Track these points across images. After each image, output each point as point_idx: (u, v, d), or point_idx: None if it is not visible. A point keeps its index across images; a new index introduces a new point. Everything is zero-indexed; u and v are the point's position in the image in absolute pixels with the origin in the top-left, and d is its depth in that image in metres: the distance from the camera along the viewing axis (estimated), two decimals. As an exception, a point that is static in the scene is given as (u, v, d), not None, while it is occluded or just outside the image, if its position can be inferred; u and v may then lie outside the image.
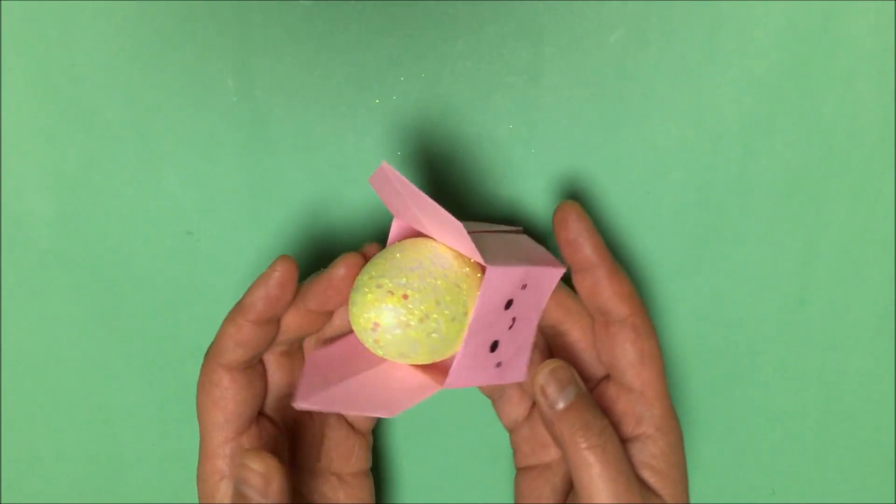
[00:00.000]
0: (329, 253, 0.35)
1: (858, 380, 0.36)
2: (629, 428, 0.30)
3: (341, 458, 0.33)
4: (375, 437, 0.37)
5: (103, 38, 0.33)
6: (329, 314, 0.31)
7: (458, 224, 0.25)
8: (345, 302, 0.30)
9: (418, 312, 0.27)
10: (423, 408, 0.37)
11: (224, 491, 0.30)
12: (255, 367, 0.31)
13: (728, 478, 0.38)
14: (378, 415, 0.28)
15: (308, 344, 0.33)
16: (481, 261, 0.26)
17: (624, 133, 0.34)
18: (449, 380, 0.28)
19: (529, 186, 0.34)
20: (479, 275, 0.28)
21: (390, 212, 0.30)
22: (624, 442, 0.30)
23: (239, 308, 0.29)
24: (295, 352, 0.32)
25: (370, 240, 0.33)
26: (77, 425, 0.38)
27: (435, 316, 0.27)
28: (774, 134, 0.33)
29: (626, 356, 0.30)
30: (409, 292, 0.27)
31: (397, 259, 0.28)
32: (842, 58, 0.32)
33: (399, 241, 0.30)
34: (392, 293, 0.27)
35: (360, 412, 0.28)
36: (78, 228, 0.35)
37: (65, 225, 0.35)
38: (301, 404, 0.28)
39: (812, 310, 0.35)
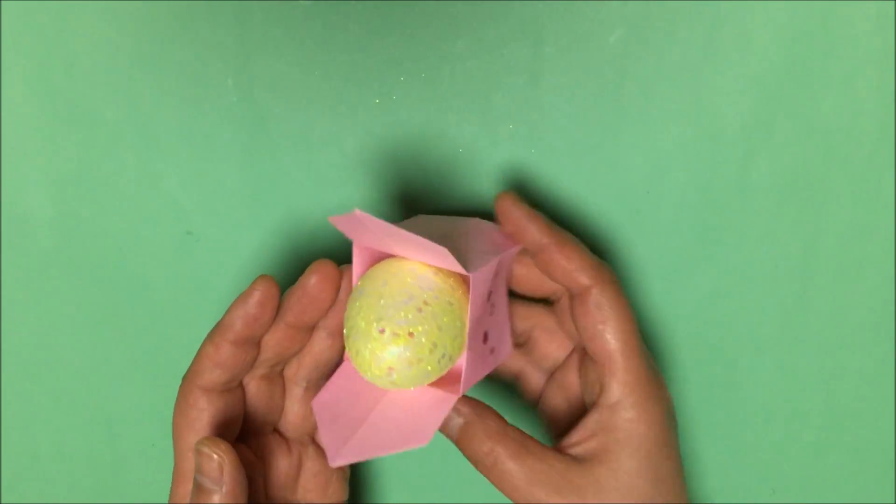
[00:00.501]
0: (329, 253, 0.35)
1: (858, 380, 0.36)
2: (593, 396, 0.30)
3: (318, 490, 0.32)
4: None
5: (103, 38, 0.33)
6: (308, 330, 0.30)
7: (443, 249, 0.25)
8: (322, 314, 0.29)
9: (427, 344, 0.27)
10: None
11: None
12: (233, 390, 0.30)
13: (728, 478, 0.38)
14: (414, 446, 0.27)
15: (297, 388, 0.32)
16: (464, 272, 0.26)
17: (624, 133, 0.34)
18: (462, 388, 0.28)
19: (529, 186, 0.34)
20: (457, 281, 0.28)
21: (349, 238, 0.29)
22: (590, 406, 0.30)
23: (218, 328, 0.29)
24: (275, 377, 0.31)
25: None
26: (77, 425, 0.38)
27: (441, 341, 0.27)
28: (774, 134, 0.33)
29: (586, 330, 0.29)
30: (412, 329, 0.27)
31: (385, 296, 0.27)
32: (842, 58, 0.32)
33: (369, 267, 0.29)
34: (397, 335, 0.26)
35: (397, 449, 0.27)
36: (78, 228, 0.35)
37: (65, 225, 0.35)
38: (337, 462, 0.27)
39: (812, 310, 0.35)
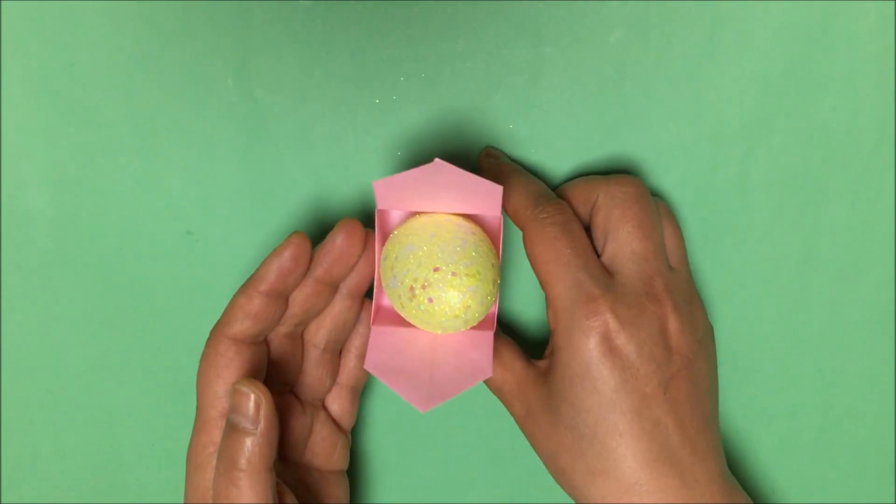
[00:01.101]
0: (329, 253, 0.35)
1: (858, 380, 0.36)
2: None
3: (325, 455, 0.33)
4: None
5: (103, 38, 0.33)
6: (333, 289, 0.31)
7: (498, 187, 0.28)
8: (349, 270, 0.31)
9: (489, 281, 0.29)
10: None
11: (216, 463, 0.30)
12: (259, 345, 0.31)
13: (728, 478, 0.38)
14: (483, 379, 0.30)
15: (315, 350, 0.33)
16: (498, 213, 0.30)
17: (624, 133, 0.34)
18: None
19: (529, 186, 0.34)
20: (479, 227, 0.31)
21: (379, 204, 0.30)
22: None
23: (251, 280, 0.30)
24: (297, 337, 0.33)
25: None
26: (77, 425, 0.38)
27: (495, 278, 0.30)
28: (774, 134, 0.33)
29: (532, 265, 0.31)
30: (478, 269, 0.29)
31: (440, 244, 0.29)
32: (842, 58, 0.32)
33: (390, 231, 0.31)
34: (469, 275, 0.29)
35: (470, 385, 0.29)
36: (78, 228, 0.35)
37: (65, 225, 0.35)
38: (428, 407, 0.28)
39: (812, 310, 0.35)
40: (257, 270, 0.30)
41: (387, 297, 0.32)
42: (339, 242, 0.30)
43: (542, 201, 0.31)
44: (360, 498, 0.38)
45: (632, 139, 0.34)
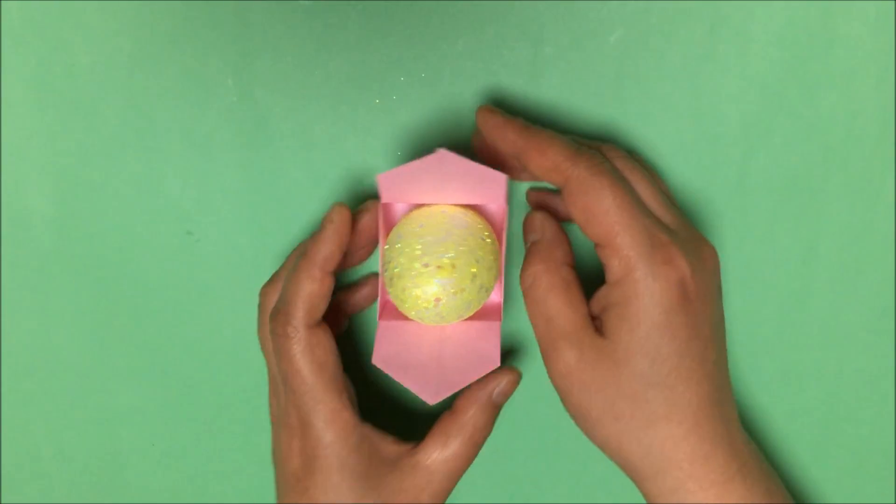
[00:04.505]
0: (329, 253, 0.35)
1: (858, 380, 0.36)
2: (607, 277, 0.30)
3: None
4: None
5: (103, 38, 0.33)
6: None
7: (503, 176, 0.29)
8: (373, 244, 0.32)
9: (468, 274, 0.29)
10: (419, 407, 0.37)
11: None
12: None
13: (728, 478, 0.38)
14: (491, 369, 0.30)
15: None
16: (503, 203, 0.30)
17: (624, 133, 0.34)
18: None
19: (529, 187, 0.34)
20: (483, 220, 0.31)
21: (383, 198, 0.31)
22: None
23: (316, 262, 0.30)
24: None
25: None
26: (77, 425, 0.38)
27: (479, 272, 0.30)
28: (774, 134, 0.33)
29: (576, 219, 0.29)
30: (454, 262, 0.29)
31: (424, 235, 0.30)
32: (842, 58, 0.32)
33: (393, 223, 0.32)
34: (441, 267, 0.29)
35: (478, 376, 0.30)
36: (78, 228, 0.35)
37: (65, 225, 0.35)
38: (436, 399, 0.29)
39: (812, 310, 0.35)
40: (318, 253, 0.30)
41: None
42: (366, 221, 0.31)
43: (582, 150, 0.29)
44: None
45: (632, 139, 0.34)
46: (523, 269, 0.31)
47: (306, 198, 0.35)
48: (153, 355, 0.37)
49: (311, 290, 0.30)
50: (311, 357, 0.30)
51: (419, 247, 0.29)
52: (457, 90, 0.33)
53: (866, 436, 0.37)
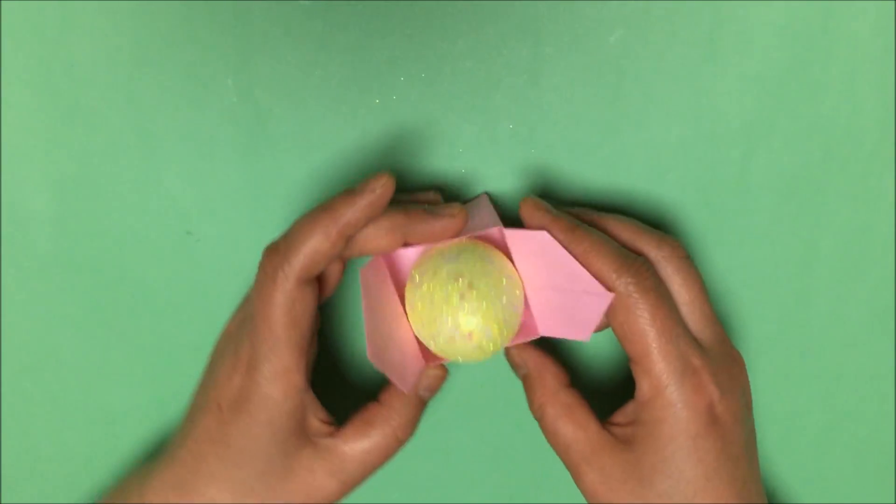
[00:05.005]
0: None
1: (858, 380, 0.36)
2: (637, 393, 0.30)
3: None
4: None
5: (103, 38, 0.33)
6: None
7: (609, 294, 0.29)
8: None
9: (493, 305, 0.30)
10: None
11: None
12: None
13: (728, 478, 0.38)
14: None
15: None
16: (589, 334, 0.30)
17: (624, 133, 0.34)
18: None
19: (529, 187, 0.34)
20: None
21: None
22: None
23: (337, 221, 0.29)
24: None
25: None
26: (77, 425, 0.38)
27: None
28: (774, 134, 0.33)
29: (615, 329, 0.29)
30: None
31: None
32: (842, 58, 0.32)
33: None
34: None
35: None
36: (78, 228, 0.35)
37: (65, 225, 0.35)
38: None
39: (812, 310, 0.35)
40: (343, 211, 0.28)
41: None
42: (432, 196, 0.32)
43: (627, 263, 0.29)
44: (360, 498, 0.38)
45: (632, 139, 0.34)
46: (529, 402, 0.32)
47: (306, 198, 0.35)
48: (153, 355, 0.37)
49: (319, 247, 0.28)
50: (288, 310, 0.29)
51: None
52: (457, 90, 0.33)
53: (866, 436, 0.37)
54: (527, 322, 0.32)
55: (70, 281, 0.36)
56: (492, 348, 0.30)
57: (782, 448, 0.37)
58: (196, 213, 0.35)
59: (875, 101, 0.33)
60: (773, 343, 0.36)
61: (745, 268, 0.35)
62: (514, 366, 0.33)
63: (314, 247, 0.28)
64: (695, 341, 0.29)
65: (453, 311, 0.29)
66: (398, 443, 0.32)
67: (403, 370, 0.30)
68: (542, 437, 0.36)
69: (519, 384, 0.33)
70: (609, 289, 0.29)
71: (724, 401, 0.29)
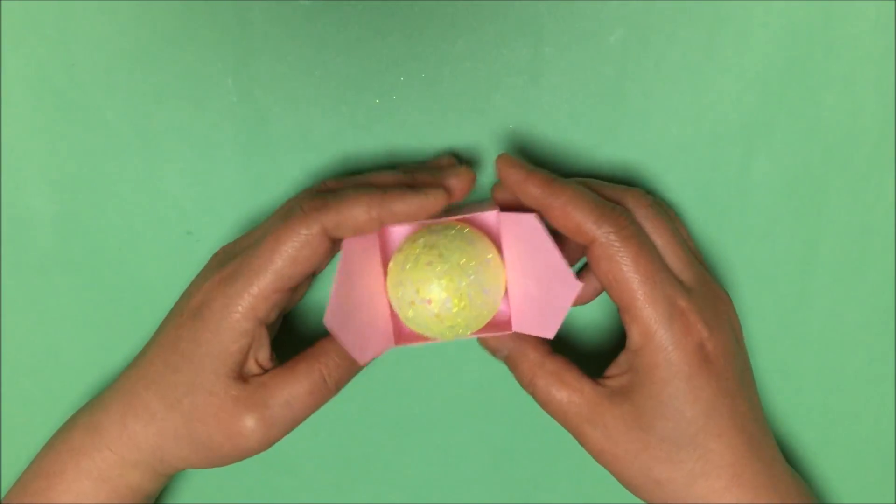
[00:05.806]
0: (329, 253, 0.35)
1: (858, 380, 0.36)
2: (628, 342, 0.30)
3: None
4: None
5: (103, 38, 0.33)
6: None
7: (578, 284, 0.29)
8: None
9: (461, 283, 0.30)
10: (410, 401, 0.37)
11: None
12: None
13: (728, 478, 0.38)
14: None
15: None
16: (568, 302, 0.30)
17: (624, 133, 0.34)
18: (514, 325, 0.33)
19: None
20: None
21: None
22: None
23: (389, 209, 0.29)
24: None
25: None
26: (77, 425, 0.38)
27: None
28: (774, 134, 0.33)
29: (601, 280, 0.30)
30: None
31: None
32: (842, 58, 0.32)
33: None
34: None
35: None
36: (78, 228, 0.35)
37: (65, 225, 0.35)
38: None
39: (812, 310, 0.35)
40: (398, 202, 0.29)
41: None
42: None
43: (606, 212, 0.29)
44: (360, 498, 0.38)
45: (632, 139, 0.34)
46: (519, 380, 0.32)
47: (306, 198, 0.35)
48: (153, 355, 0.37)
49: (361, 222, 0.29)
50: (299, 247, 0.29)
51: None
52: (457, 90, 0.33)
53: (866, 436, 0.37)
54: (501, 316, 0.32)
55: (70, 281, 0.36)
56: (451, 323, 0.30)
57: (782, 447, 0.37)
58: (196, 213, 0.35)
59: (875, 101, 0.33)
60: (774, 343, 0.36)
61: (745, 268, 0.35)
62: (493, 350, 0.33)
63: (357, 219, 0.29)
64: (679, 283, 0.30)
65: (417, 276, 0.29)
66: (326, 388, 0.32)
67: (364, 341, 0.30)
68: (543, 437, 0.36)
69: (518, 384, 0.33)
70: (590, 239, 0.29)
71: (713, 339, 0.29)
